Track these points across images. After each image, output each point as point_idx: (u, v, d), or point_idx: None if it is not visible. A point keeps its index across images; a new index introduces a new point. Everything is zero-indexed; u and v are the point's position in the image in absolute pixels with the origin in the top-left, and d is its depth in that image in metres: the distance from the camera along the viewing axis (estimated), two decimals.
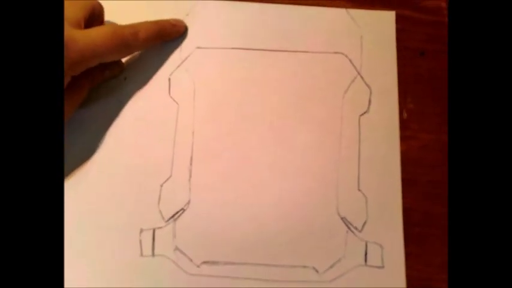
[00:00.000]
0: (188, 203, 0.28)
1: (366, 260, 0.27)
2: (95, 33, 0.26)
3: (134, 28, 0.27)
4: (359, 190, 0.28)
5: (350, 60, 0.30)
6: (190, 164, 0.28)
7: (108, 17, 0.30)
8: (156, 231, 0.27)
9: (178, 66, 0.30)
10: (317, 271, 0.27)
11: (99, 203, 0.27)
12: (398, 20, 0.31)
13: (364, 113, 0.29)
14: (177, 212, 0.27)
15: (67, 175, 0.28)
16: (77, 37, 0.25)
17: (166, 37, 0.30)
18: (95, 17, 0.28)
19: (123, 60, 0.30)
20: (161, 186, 0.28)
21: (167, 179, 0.28)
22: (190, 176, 0.28)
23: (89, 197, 0.28)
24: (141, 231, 0.27)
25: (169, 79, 0.30)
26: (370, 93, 0.30)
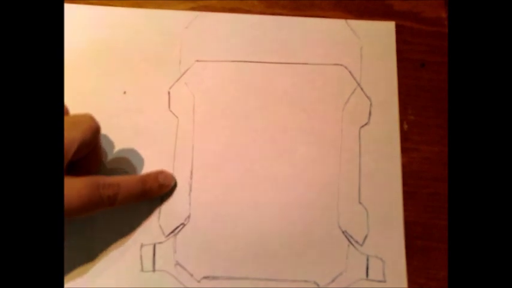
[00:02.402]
0: (188, 217, 0.28)
1: (367, 274, 0.27)
2: (66, 191, 0.22)
3: (114, 189, 0.24)
4: (360, 203, 0.28)
5: (350, 72, 0.30)
6: (190, 178, 0.28)
7: (107, 24, 0.30)
8: (157, 246, 0.27)
9: (177, 80, 0.30)
10: (318, 285, 0.26)
11: (100, 218, 0.27)
12: (399, 30, 0.31)
13: (365, 124, 0.29)
14: (178, 227, 0.27)
15: None
16: None
17: (149, 197, 0.26)
18: (84, 146, 0.24)
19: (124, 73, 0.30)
20: (161, 200, 0.28)
21: (167, 194, 0.28)
22: (190, 190, 0.28)
23: None
24: (142, 246, 0.27)
25: (168, 93, 0.30)
26: (371, 104, 0.30)
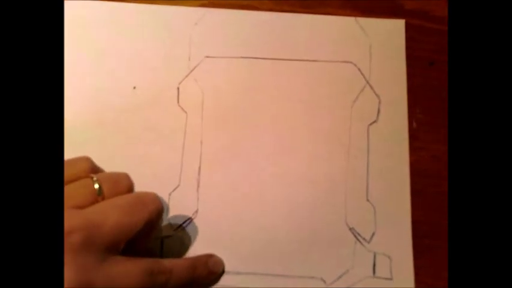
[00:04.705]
0: (196, 212, 0.28)
1: (374, 272, 0.27)
2: (120, 277, 0.21)
3: (167, 276, 0.23)
4: (367, 200, 0.28)
5: (359, 69, 0.30)
6: (199, 174, 0.28)
7: (117, 20, 0.30)
8: (165, 240, 0.27)
9: (187, 76, 0.30)
10: (325, 282, 0.26)
11: None
12: (408, 29, 0.31)
13: (373, 122, 0.29)
14: (185, 221, 0.27)
15: None
16: (96, 280, 0.20)
17: (197, 285, 0.25)
18: (147, 227, 0.23)
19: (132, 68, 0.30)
20: (169, 195, 0.28)
21: (175, 188, 0.28)
22: (198, 186, 0.28)
23: None
24: None
25: (178, 88, 0.30)
26: (379, 102, 0.30)
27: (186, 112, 0.29)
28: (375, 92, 0.30)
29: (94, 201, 0.22)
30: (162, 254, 0.27)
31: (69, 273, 0.19)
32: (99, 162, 0.28)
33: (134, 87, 0.30)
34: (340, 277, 0.26)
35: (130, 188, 0.23)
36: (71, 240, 0.19)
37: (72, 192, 0.22)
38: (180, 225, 0.27)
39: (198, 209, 0.28)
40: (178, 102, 0.30)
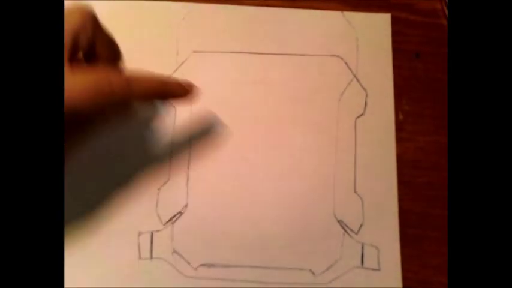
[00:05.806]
0: (186, 206, 0.28)
1: (362, 262, 0.27)
2: (71, 84, 0.20)
3: (127, 80, 0.22)
4: (355, 192, 0.28)
5: (346, 63, 0.30)
6: (188, 168, 0.28)
7: (104, 16, 0.30)
8: (154, 234, 0.27)
9: (175, 71, 0.30)
10: (313, 273, 0.27)
11: (98, 206, 0.28)
12: (394, 22, 0.31)
13: (360, 115, 0.29)
14: (175, 215, 0.28)
15: (66, 179, 0.28)
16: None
17: (170, 96, 0.24)
18: (82, 36, 0.22)
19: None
20: (159, 189, 0.28)
21: (165, 183, 0.28)
22: (187, 180, 0.28)
23: (88, 200, 0.28)
24: (140, 234, 0.27)
25: None
26: (366, 95, 0.30)
27: (174, 107, 0.30)
28: (361, 85, 0.30)
29: None
30: (152, 248, 0.27)
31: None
32: (89, 157, 0.29)
33: None
34: (328, 268, 0.27)
35: None
36: None
37: None
38: (170, 220, 0.28)
39: (187, 203, 0.28)
40: None
